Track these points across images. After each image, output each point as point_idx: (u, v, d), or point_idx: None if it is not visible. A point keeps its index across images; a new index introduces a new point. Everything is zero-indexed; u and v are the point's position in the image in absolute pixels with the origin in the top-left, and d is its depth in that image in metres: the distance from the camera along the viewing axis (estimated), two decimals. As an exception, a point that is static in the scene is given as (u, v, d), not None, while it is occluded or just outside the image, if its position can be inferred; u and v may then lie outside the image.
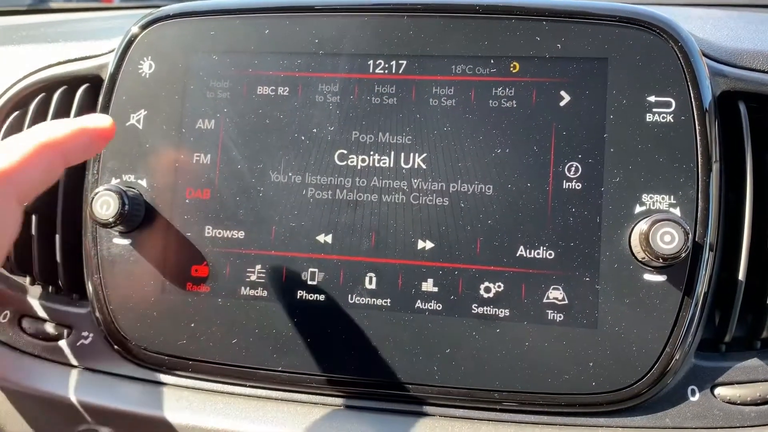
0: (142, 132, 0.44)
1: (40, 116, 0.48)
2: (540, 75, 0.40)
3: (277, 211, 0.42)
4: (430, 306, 0.40)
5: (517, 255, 0.39)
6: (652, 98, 0.39)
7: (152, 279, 0.42)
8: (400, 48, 0.42)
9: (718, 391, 0.39)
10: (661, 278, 0.38)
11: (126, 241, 0.43)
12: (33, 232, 0.46)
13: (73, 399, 0.43)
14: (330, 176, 0.41)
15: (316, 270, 0.41)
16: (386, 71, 0.42)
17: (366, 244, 0.41)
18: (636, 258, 0.38)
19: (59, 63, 0.50)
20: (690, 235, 0.36)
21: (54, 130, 0.34)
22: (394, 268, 0.40)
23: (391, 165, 0.41)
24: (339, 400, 0.41)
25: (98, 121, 0.36)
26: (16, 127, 0.49)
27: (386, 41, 0.42)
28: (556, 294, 0.39)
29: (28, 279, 0.48)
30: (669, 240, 0.36)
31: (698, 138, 0.39)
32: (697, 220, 0.38)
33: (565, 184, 0.39)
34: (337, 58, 0.42)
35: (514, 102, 0.40)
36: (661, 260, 0.36)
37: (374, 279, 0.40)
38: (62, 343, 0.45)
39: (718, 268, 0.40)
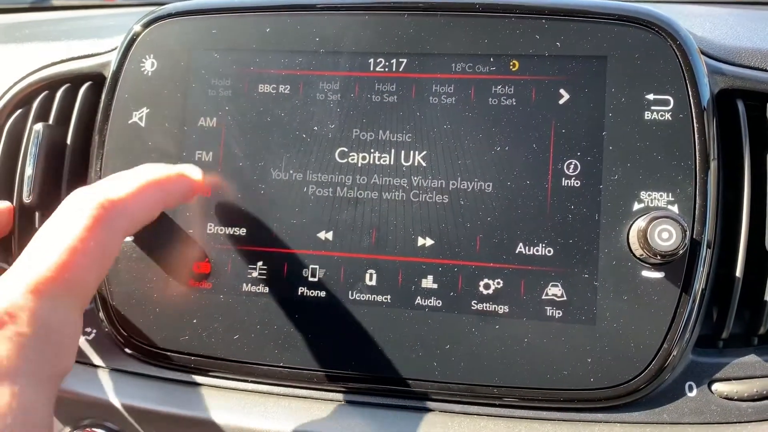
0: (144, 130, 0.44)
1: (42, 114, 0.49)
2: (539, 73, 0.40)
3: (279, 209, 0.42)
4: (430, 302, 0.40)
5: (517, 252, 0.39)
6: (650, 96, 0.39)
7: (155, 276, 0.43)
8: (400, 46, 0.42)
9: (716, 386, 0.39)
10: (659, 275, 0.38)
11: (129, 238, 0.43)
12: (37, 227, 0.46)
13: (77, 394, 0.43)
14: (331, 174, 0.42)
15: (317, 267, 0.41)
16: (386, 69, 0.42)
17: (366, 241, 0.41)
18: (634, 255, 0.38)
19: (62, 61, 0.50)
20: (688, 232, 0.36)
21: (158, 171, 0.36)
22: (394, 264, 0.41)
23: (392, 162, 0.41)
24: (339, 396, 0.41)
25: (192, 171, 0.39)
26: (20, 126, 0.49)
27: (387, 39, 0.42)
28: (555, 290, 0.39)
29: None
30: (667, 237, 0.36)
31: (696, 136, 0.39)
32: (695, 218, 0.38)
33: (564, 182, 0.40)
34: (338, 56, 0.43)
35: (514, 100, 0.41)
36: (659, 257, 0.36)
37: (374, 275, 0.41)
38: (66, 339, 0.45)
39: (716, 265, 0.41)
